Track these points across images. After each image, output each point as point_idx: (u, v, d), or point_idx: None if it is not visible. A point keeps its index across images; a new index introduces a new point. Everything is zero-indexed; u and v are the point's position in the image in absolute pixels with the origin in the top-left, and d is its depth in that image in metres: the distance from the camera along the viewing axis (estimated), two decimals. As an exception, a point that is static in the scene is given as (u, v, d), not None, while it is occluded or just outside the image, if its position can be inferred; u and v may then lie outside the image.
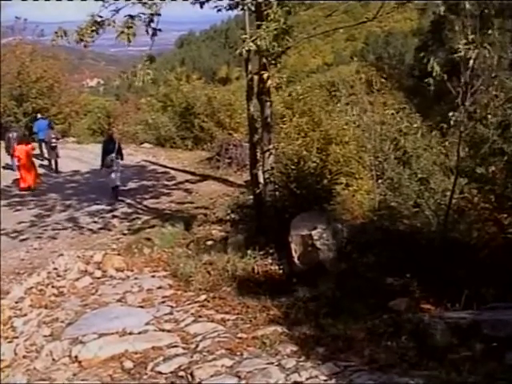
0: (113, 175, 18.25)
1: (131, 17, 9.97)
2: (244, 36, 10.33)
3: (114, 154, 18.06)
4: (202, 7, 11.44)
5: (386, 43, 70.01)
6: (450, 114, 10.04)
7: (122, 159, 18.83)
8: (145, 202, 17.80)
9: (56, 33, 10.34)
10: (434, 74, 9.79)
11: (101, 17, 10.14)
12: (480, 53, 9.47)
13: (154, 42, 10.51)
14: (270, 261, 11.43)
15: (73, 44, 10.65)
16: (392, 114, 16.19)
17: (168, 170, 22.73)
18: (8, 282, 11.36)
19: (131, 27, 9.85)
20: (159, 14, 10.01)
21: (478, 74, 9.90)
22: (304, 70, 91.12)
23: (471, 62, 9.48)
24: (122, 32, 9.86)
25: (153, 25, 10.08)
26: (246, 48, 10.09)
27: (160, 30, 10.33)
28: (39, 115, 26.38)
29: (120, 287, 10.98)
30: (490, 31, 9.75)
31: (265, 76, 11.29)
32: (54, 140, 22.19)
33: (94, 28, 10.09)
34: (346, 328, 7.97)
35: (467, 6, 9.46)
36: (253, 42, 10.02)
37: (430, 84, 10.04)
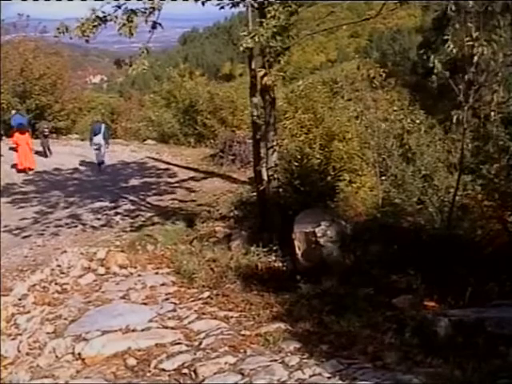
0: (99, 153, 22.23)
1: (132, 11, 9.94)
2: (243, 33, 10.30)
3: (100, 136, 22.12)
4: (203, 4, 11.39)
5: (392, 39, 69.88)
6: (453, 112, 10.02)
7: (107, 142, 22.74)
8: (148, 199, 17.80)
9: (58, 29, 10.31)
10: (436, 70, 9.77)
11: (103, 12, 10.12)
12: (483, 50, 9.44)
13: (152, 34, 10.43)
14: (273, 258, 11.41)
15: (76, 41, 10.62)
16: (395, 110, 16.16)
17: (171, 166, 22.73)
18: (11, 279, 11.37)
19: (132, 21, 9.82)
20: (159, 9, 9.97)
21: (482, 70, 9.87)
22: (307, 67, 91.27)
23: (475, 58, 9.45)
24: (124, 25, 9.83)
25: (153, 17, 10.04)
26: (244, 45, 10.07)
27: (160, 24, 10.28)
28: (14, 111, 27.14)
29: (123, 284, 10.96)
30: (494, 28, 9.72)
31: (260, 74, 11.24)
32: (46, 130, 24.95)
33: (95, 23, 10.05)
34: (349, 325, 7.95)
35: (470, 3, 9.43)
36: (251, 39, 9.98)
37: (433, 82, 10.02)
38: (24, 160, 21.98)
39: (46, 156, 24.54)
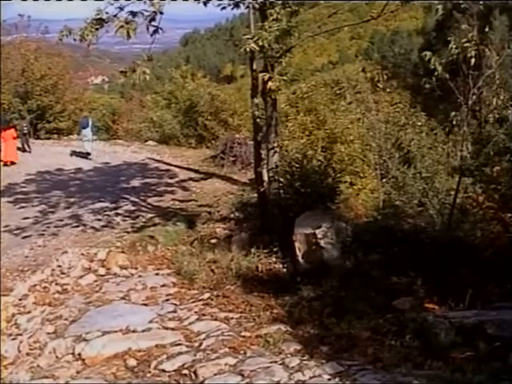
0: (86, 144, 24.84)
1: (132, 13, 9.93)
2: (246, 36, 10.29)
3: (88, 129, 24.88)
4: (205, 5, 11.40)
5: (392, 41, 69.82)
6: (452, 113, 10.03)
7: (94, 134, 25.90)
8: (149, 200, 17.80)
9: (61, 32, 10.33)
10: (436, 73, 9.79)
11: (107, 13, 10.10)
12: (481, 50, 9.47)
13: (154, 40, 10.44)
14: (274, 259, 11.42)
15: (77, 41, 10.62)
16: (397, 112, 16.18)
17: (172, 167, 22.74)
18: (12, 280, 11.36)
19: (130, 22, 9.80)
20: (162, 13, 9.97)
21: (483, 73, 9.88)
22: (309, 69, 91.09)
23: (472, 60, 9.47)
24: (122, 26, 9.81)
25: (154, 23, 10.04)
26: (248, 48, 10.07)
27: (161, 28, 10.28)
28: None
29: (124, 285, 10.96)
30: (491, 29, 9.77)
31: (265, 78, 11.22)
32: (25, 128, 26.29)
33: (97, 26, 10.04)
34: (349, 327, 7.95)
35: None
36: (254, 42, 9.99)
37: (428, 83, 10.04)
38: (9, 154, 22.98)
39: (25, 151, 25.54)
